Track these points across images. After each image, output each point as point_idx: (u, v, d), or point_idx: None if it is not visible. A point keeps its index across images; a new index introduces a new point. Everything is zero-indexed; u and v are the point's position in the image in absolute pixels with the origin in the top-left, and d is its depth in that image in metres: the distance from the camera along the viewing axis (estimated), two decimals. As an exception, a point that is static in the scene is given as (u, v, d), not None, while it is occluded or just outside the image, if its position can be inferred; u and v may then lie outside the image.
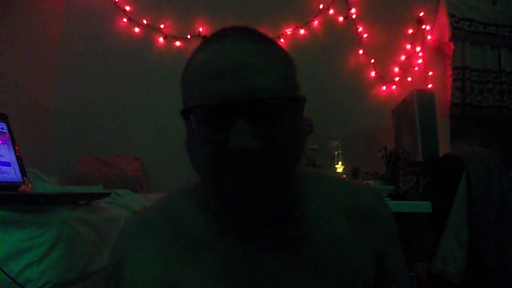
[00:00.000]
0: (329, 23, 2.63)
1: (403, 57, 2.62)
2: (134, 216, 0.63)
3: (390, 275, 0.62)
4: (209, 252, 0.55)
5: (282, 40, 2.55)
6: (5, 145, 1.21)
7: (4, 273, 0.86)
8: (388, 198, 1.64)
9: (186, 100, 0.54)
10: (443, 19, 2.55)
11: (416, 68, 2.62)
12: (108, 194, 1.38)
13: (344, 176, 1.96)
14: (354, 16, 2.62)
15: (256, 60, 0.50)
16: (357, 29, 2.62)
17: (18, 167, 1.22)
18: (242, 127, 0.47)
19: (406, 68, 2.62)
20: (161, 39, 2.59)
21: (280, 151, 0.50)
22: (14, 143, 1.24)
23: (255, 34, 0.54)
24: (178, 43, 2.59)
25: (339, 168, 2.01)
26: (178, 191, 0.63)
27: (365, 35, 2.62)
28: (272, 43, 0.55)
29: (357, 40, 2.62)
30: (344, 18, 2.62)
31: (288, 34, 2.59)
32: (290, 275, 0.56)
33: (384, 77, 2.61)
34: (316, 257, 0.57)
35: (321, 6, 2.61)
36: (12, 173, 1.19)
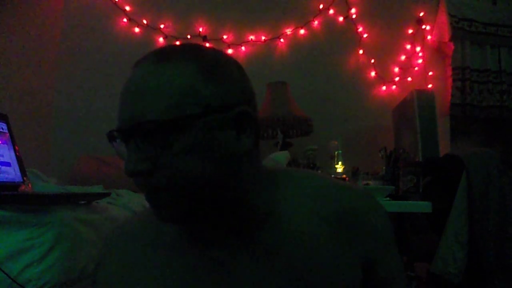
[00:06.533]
0: (329, 23, 2.63)
1: (403, 57, 2.62)
2: (118, 224, 0.69)
3: (384, 281, 0.60)
4: (174, 258, 0.58)
5: (282, 40, 2.54)
6: (5, 145, 1.21)
7: (4, 273, 0.86)
8: (388, 198, 1.64)
9: None
10: (443, 19, 2.55)
11: (416, 68, 2.62)
12: (108, 194, 1.38)
13: (344, 176, 1.96)
14: (354, 16, 2.62)
15: (147, 85, 0.50)
16: (357, 29, 2.62)
17: (18, 167, 1.21)
18: (131, 151, 0.51)
19: (406, 68, 2.62)
20: (161, 39, 2.59)
21: (174, 170, 0.49)
22: (14, 143, 1.24)
23: (167, 55, 0.53)
24: (178, 43, 2.58)
25: (339, 168, 2.01)
26: None
27: (365, 35, 2.62)
28: (182, 60, 0.52)
29: (357, 40, 2.62)
30: (344, 18, 2.62)
31: (288, 34, 2.58)
32: (260, 283, 0.55)
33: (384, 77, 2.61)
34: (290, 265, 0.55)
35: (321, 6, 2.61)
36: (12, 173, 1.19)
